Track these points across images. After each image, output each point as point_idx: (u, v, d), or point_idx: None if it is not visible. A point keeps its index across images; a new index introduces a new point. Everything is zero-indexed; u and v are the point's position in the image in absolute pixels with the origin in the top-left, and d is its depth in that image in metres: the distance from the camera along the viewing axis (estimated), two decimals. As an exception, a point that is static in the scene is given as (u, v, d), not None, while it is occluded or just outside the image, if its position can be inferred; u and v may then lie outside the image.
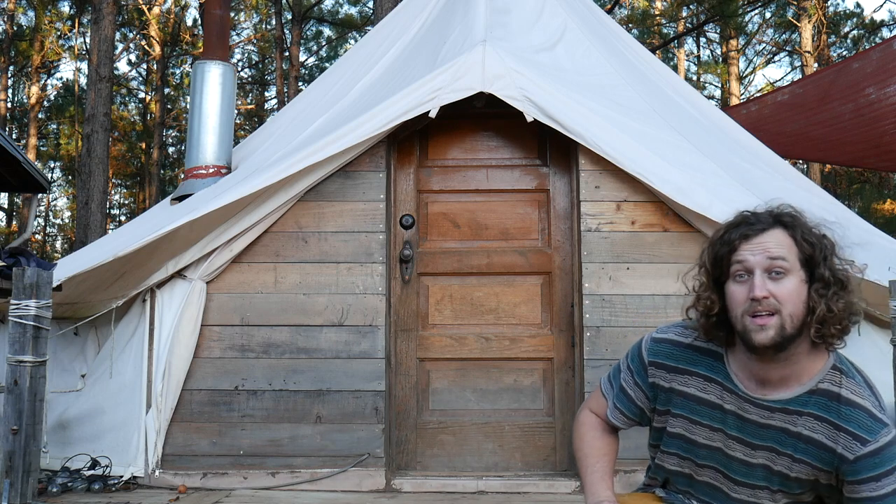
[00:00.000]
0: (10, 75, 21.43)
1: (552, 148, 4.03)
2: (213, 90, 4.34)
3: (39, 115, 21.95)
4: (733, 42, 19.89)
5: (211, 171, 4.23)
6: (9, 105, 21.86)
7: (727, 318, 1.56)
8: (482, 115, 4.02)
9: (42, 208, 23.95)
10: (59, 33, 20.84)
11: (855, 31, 20.59)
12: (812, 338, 1.50)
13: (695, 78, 23.20)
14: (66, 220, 26.53)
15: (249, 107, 24.26)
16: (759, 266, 1.49)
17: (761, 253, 1.49)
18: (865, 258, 3.59)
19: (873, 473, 1.48)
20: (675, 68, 20.06)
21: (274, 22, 21.46)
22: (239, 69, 22.82)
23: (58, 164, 25.34)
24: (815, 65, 17.80)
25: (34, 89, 21.12)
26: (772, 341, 1.47)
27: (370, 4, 19.47)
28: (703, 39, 23.16)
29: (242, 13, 22.77)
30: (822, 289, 1.49)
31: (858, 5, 30.43)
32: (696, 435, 1.65)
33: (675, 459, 1.72)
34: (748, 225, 1.53)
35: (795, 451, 1.55)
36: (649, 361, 1.70)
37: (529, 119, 3.74)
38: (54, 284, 3.40)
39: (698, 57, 23.96)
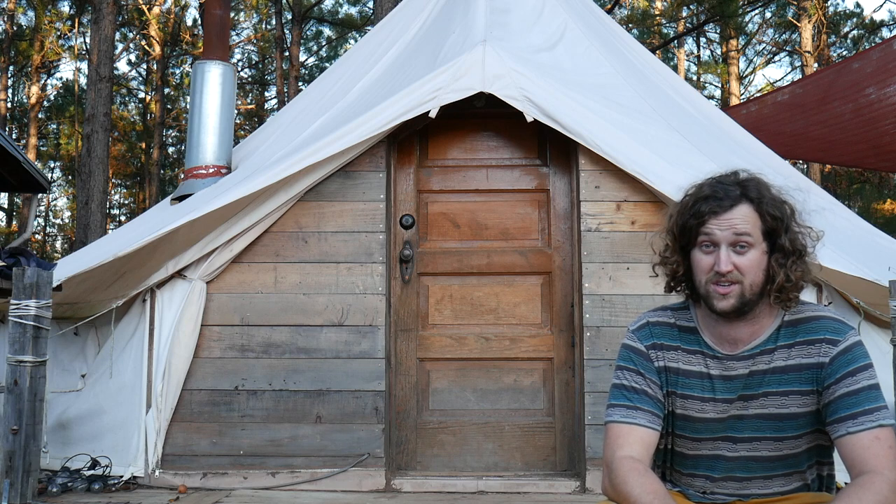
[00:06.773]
0: (10, 75, 21.42)
1: (552, 148, 4.03)
2: (213, 90, 4.34)
3: (39, 115, 21.94)
4: (733, 42, 19.89)
5: (211, 171, 4.23)
6: (9, 105, 21.85)
7: (690, 277, 1.67)
8: (482, 115, 4.02)
9: (42, 208, 23.95)
10: (59, 33, 20.83)
11: (855, 31, 20.61)
12: (771, 302, 1.61)
13: (695, 78, 23.20)
14: (66, 220, 26.53)
15: (249, 107, 24.26)
16: (725, 241, 1.57)
17: (728, 229, 1.57)
18: (865, 259, 3.56)
19: (848, 370, 1.57)
20: (675, 68, 20.05)
21: (274, 22, 21.47)
22: (239, 69, 22.82)
23: (58, 164, 25.33)
24: (815, 65, 17.81)
25: (34, 89, 21.11)
26: (732, 308, 1.58)
27: (370, 4, 19.47)
28: (703, 39, 23.17)
29: (242, 13, 22.78)
30: (782, 258, 1.59)
31: (858, 5, 30.47)
32: (690, 410, 1.67)
33: (670, 439, 1.72)
34: (717, 200, 1.59)
35: (780, 384, 1.62)
36: (647, 346, 1.71)
37: (529, 119, 3.74)
38: (54, 284, 3.40)
39: (698, 57, 23.97)
